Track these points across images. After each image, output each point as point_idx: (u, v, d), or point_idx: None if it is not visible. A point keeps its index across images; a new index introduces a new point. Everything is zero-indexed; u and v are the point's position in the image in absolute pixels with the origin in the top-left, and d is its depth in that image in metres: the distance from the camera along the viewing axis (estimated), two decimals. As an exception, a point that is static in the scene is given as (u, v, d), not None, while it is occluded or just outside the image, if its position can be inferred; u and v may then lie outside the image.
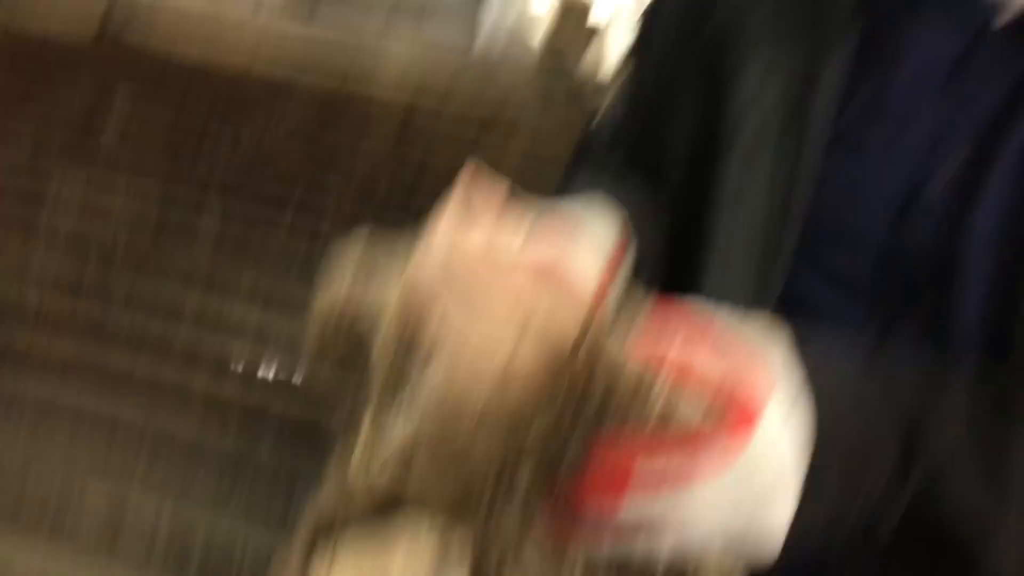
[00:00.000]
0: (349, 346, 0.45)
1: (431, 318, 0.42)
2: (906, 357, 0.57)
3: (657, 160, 0.72)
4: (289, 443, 0.93)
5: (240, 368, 1.02)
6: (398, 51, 2.12)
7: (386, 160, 1.72)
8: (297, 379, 0.65)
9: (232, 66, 2.01)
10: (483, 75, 2.13)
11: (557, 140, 1.70)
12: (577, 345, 0.42)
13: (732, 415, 0.42)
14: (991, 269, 0.60)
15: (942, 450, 0.51)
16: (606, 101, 1.18)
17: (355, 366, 0.45)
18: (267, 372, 0.70)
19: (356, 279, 0.47)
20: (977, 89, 0.59)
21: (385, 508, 0.47)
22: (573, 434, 0.43)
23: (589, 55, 1.98)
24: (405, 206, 1.53)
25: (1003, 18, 0.58)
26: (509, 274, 0.44)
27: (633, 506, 0.42)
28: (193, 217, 1.39)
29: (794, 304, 0.62)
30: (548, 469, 0.41)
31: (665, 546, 0.45)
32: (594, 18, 1.97)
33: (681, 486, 0.42)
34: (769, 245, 0.62)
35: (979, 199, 0.58)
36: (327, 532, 0.50)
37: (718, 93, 0.66)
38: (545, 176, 0.70)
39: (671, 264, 0.70)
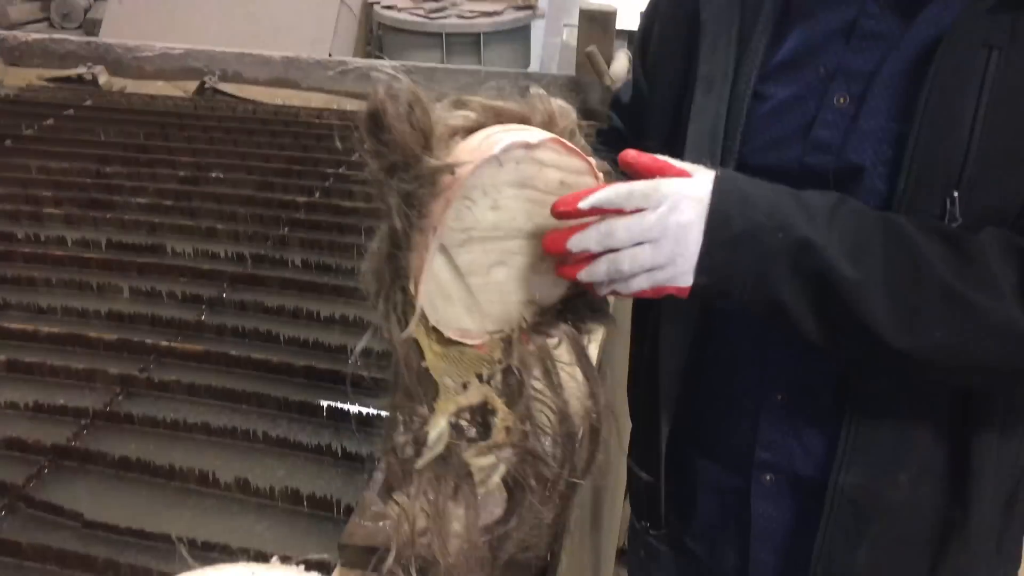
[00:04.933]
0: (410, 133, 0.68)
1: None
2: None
3: (648, 107, 0.96)
4: (366, 432, 1.10)
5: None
6: (459, 76, 2.31)
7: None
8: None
9: (311, 106, 2.27)
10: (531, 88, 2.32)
11: (591, 138, 1.85)
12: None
13: (669, 172, 0.72)
14: (874, 184, 0.79)
15: (827, 237, 0.72)
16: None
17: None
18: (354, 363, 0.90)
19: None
20: (867, 38, 0.79)
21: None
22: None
23: (618, 60, 2.16)
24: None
25: None
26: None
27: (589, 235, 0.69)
28: (281, 253, 1.56)
29: None
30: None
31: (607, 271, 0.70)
32: (621, 23, 2.15)
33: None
34: (716, 156, 0.85)
35: (857, 128, 0.78)
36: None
37: (691, 55, 0.89)
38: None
39: None
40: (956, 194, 0.74)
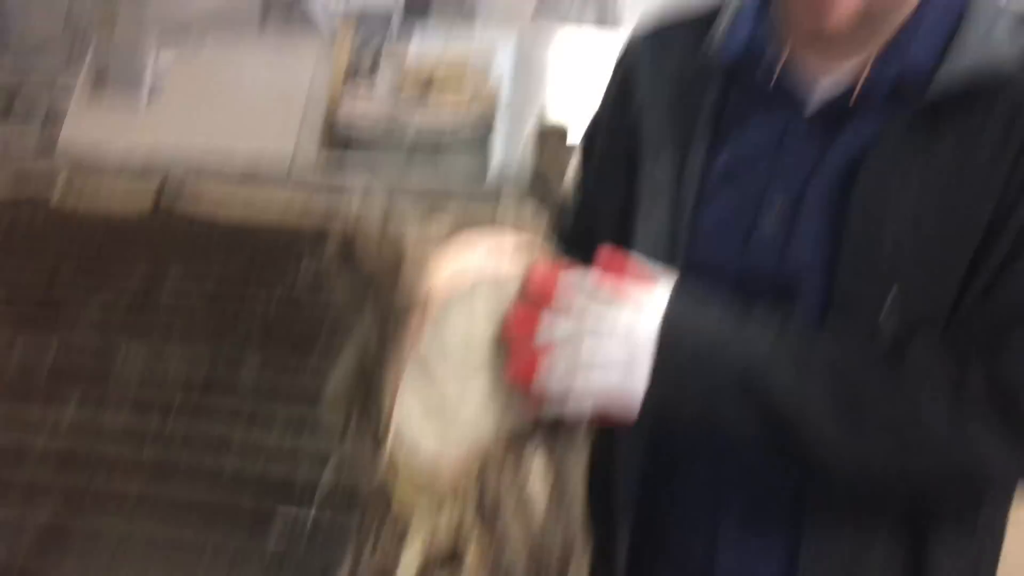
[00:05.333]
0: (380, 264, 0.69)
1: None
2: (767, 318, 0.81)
3: (593, 225, 1.01)
4: (323, 541, 1.07)
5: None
6: (414, 188, 2.36)
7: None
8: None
9: (268, 223, 2.28)
10: (491, 200, 2.38)
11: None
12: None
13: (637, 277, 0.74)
14: (815, 282, 0.83)
15: (771, 359, 0.76)
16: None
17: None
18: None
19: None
20: (792, 157, 0.85)
21: None
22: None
23: (572, 172, 2.22)
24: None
25: (808, 111, 0.84)
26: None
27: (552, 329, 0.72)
28: (236, 367, 1.55)
29: None
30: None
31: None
32: (572, 139, 2.23)
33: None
34: (663, 262, 0.89)
35: (796, 231, 0.83)
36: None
37: (633, 172, 0.94)
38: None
39: None
40: (892, 297, 0.78)
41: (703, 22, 0.94)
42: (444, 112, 3.33)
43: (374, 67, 4.16)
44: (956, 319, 0.79)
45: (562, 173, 2.18)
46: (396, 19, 4.68)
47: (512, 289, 0.72)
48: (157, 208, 2.35)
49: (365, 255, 0.65)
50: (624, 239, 0.94)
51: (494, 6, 4.33)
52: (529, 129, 3.22)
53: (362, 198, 0.61)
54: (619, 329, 0.74)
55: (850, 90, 0.84)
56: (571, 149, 2.25)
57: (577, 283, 0.73)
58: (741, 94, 0.90)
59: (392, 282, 0.67)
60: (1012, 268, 0.77)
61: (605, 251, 0.76)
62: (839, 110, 0.85)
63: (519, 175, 3.48)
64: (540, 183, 2.17)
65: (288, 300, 1.85)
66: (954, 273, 0.78)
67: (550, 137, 2.17)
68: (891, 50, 0.83)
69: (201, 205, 2.33)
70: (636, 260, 0.78)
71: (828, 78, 0.86)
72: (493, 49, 3.81)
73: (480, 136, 3.31)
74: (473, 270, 0.72)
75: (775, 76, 0.86)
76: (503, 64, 3.94)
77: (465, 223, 0.76)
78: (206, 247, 2.13)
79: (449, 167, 3.32)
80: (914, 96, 0.80)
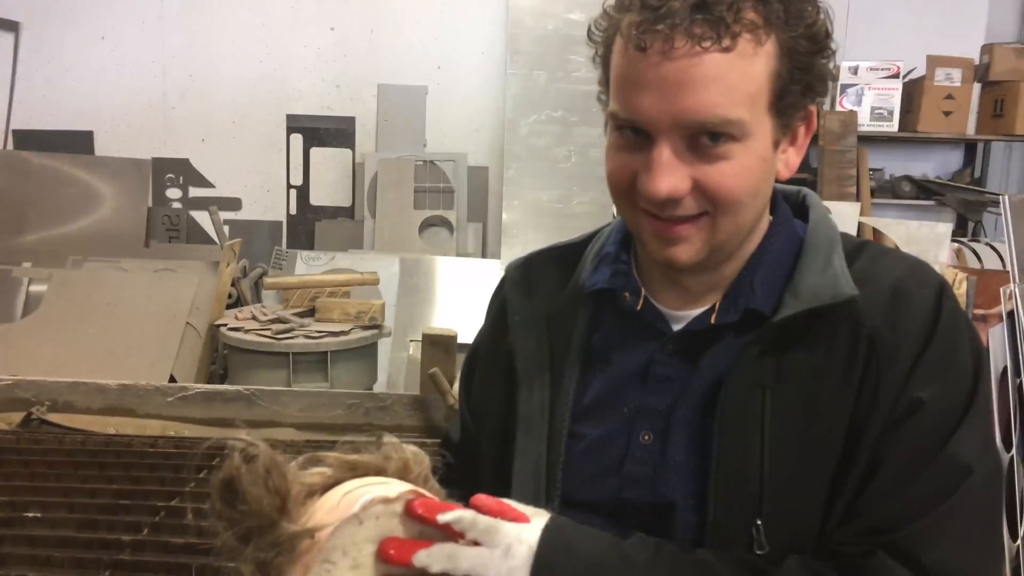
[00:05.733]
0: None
1: None
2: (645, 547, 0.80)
3: (476, 445, 1.00)
4: None
5: None
6: (305, 397, 2.33)
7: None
8: None
9: (144, 436, 2.20)
10: (377, 408, 2.37)
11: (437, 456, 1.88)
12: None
13: (509, 515, 0.75)
14: (687, 513, 0.85)
15: None
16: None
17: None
18: None
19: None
20: (657, 387, 0.90)
21: None
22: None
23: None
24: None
25: (670, 340, 0.90)
26: None
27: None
28: None
29: None
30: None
31: None
32: (463, 338, 2.29)
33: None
34: (541, 492, 0.89)
35: (665, 466, 0.86)
36: None
37: (511, 397, 0.96)
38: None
39: None
40: (759, 522, 0.81)
41: (571, 257, 1.02)
42: (329, 325, 3.36)
43: (258, 286, 4.21)
44: (821, 542, 0.81)
45: (451, 378, 2.21)
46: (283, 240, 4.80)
47: (402, 507, 0.71)
48: (23, 429, 2.23)
49: (249, 496, 0.63)
50: (504, 467, 0.96)
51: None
52: (415, 335, 3.27)
53: (245, 437, 0.61)
54: (495, 560, 0.72)
55: (707, 320, 0.91)
56: (461, 347, 2.30)
57: (456, 518, 0.71)
58: (611, 317, 0.96)
59: (274, 526, 0.66)
60: (869, 491, 0.79)
61: (481, 498, 0.75)
62: (698, 337, 0.90)
63: (408, 374, 3.51)
64: (429, 388, 2.19)
65: (166, 510, 1.76)
66: (814, 500, 0.81)
67: (438, 344, 2.22)
68: (738, 284, 0.89)
69: (75, 420, 2.23)
70: (512, 503, 0.77)
71: (685, 311, 0.92)
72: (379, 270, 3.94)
73: (367, 345, 3.33)
74: (360, 494, 0.70)
75: (639, 307, 0.94)
76: (389, 283, 4.07)
77: (349, 466, 0.75)
78: (78, 463, 2.01)
79: (335, 379, 3.31)
80: (763, 323, 0.85)
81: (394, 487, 0.71)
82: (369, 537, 0.68)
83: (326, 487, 0.72)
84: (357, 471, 0.74)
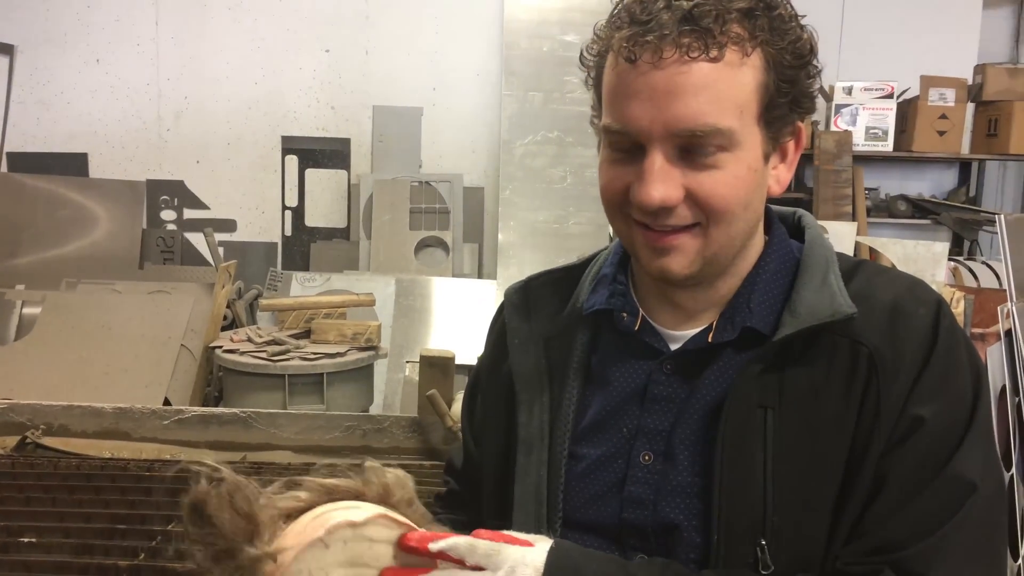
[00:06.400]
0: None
1: None
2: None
3: (479, 470, 1.00)
4: None
5: None
6: (301, 420, 2.32)
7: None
8: None
9: (140, 460, 2.18)
10: (374, 430, 2.36)
11: (435, 478, 1.86)
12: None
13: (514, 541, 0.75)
14: (691, 534, 0.84)
15: None
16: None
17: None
18: None
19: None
20: (658, 400, 0.89)
21: None
22: None
23: (458, 401, 2.25)
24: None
25: (668, 360, 0.89)
26: None
27: None
28: None
29: None
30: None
31: None
32: (461, 359, 2.28)
33: None
34: (542, 515, 0.89)
35: (666, 488, 0.85)
36: None
37: (511, 420, 0.95)
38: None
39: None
40: (764, 542, 0.80)
41: (569, 280, 1.02)
42: (325, 347, 3.34)
43: (253, 308, 4.19)
44: (827, 561, 0.80)
45: (448, 400, 2.20)
46: (278, 262, 4.79)
47: (373, 532, 0.70)
48: (18, 453, 2.21)
49: (216, 519, 0.62)
50: (506, 490, 0.96)
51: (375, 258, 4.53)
52: (412, 356, 3.25)
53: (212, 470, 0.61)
54: None
55: (704, 339, 0.91)
56: (458, 369, 2.29)
57: (450, 545, 0.71)
58: (609, 338, 0.96)
59: (239, 549, 0.65)
60: (874, 510, 0.79)
61: (481, 532, 0.75)
62: (696, 357, 0.89)
63: (404, 395, 3.49)
64: (427, 410, 2.18)
65: (163, 534, 1.74)
66: (819, 519, 0.80)
67: (436, 366, 2.21)
68: (734, 302, 0.89)
69: (71, 444, 2.21)
70: (513, 534, 0.77)
71: (682, 331, 0.91)
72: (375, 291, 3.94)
73: (363, 367, 3.32)
74: (327, 518, 0.69)
75: (636, 327, 0.93)
76: (385, 304, 4.06)
77: (326, 491, 0.74)
78: (73, 487, 1.99)
79: (331, 400, 3.29)
80: (763, 342, 0.85)
81: (363, 511, 0.70)
82: (338, 561, 0.67)
83: (301, 511, 0.72)
84: (334, 495, 0.73)
